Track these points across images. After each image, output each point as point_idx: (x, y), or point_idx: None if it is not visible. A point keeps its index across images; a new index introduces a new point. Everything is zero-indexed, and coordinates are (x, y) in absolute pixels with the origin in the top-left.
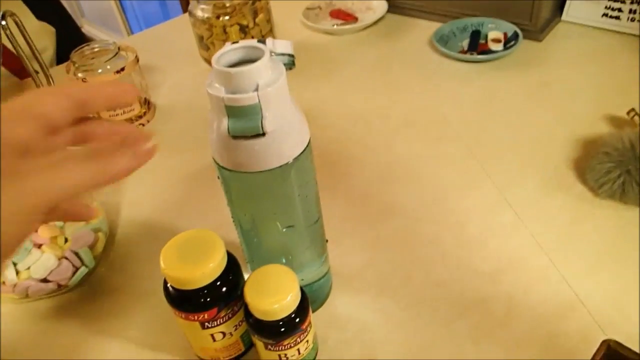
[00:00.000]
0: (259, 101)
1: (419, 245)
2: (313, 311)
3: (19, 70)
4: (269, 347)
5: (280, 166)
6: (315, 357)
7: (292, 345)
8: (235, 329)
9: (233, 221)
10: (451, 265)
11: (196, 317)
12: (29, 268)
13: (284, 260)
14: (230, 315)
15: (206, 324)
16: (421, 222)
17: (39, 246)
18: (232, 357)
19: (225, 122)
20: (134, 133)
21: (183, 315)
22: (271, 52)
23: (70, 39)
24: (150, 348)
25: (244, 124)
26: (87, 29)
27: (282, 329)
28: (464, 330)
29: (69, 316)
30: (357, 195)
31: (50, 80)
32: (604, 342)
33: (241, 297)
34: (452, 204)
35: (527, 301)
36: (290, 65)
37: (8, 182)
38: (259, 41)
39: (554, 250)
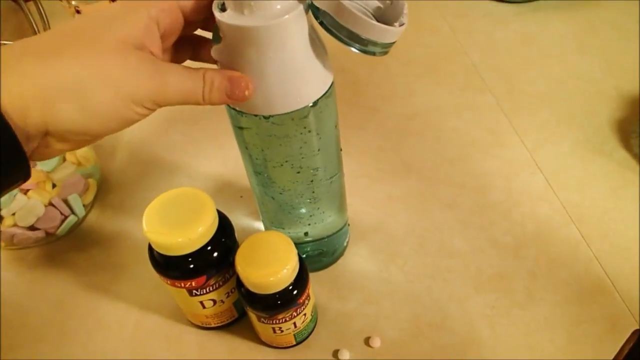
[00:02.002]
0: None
1: (435, 209)
2: (325, 267)
3: None
4: (262, 320)
5: (297, 110)
6: (313, 329)
7: (287, 319)
8: (227, 296)
9: (244, 164)
10: (469, 234)
11: (183, 285)
12: (14, 214)
13: (302, 210)
14: (220, 283)
15: (194, 291)
16: (438, 184)
17: (25, 192)
18: (225, 323)
19: None
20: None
21: (169, 282)
22: None
23: None
24: (139, 306)
25: None
26: None
27: (277, 303)
28: (479, 310)
29: (56, 266)
30: (371, 150)
31: (41, 8)
32: (635, 331)
33: (234, 263)
34: (474, 164)
35: (551, 280)
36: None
37: (154, 68)
38: None
39: (587, 223)
